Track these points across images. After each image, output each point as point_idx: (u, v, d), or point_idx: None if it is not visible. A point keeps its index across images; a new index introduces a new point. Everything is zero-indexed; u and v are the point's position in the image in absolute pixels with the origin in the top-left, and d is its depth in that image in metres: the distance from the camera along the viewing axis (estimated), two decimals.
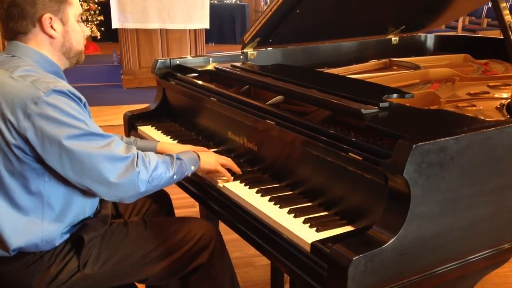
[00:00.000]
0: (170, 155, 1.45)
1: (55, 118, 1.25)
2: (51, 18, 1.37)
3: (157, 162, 1.38)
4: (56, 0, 1.37)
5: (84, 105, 1.37)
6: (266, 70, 1.87)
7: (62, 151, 1.26)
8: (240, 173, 1.56)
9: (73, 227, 1.43)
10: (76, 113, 1.29)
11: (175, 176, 1.42)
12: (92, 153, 1.28)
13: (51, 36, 1.38)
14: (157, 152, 1.67)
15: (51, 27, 1.37)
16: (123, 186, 1.31)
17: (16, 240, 1.34)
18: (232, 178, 1.54)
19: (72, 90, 1.32)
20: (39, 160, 1.30)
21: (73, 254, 1.41)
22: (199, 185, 1.64)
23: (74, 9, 1.42)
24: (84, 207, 1.45)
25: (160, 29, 6.01)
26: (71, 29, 1.42)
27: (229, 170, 1.56)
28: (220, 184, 1.52)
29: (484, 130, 1.18)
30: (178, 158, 1.45)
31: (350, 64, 2.26)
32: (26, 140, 1.27)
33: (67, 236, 1.42)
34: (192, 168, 1.49)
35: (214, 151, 1.75)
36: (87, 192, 1.37)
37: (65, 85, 1.31)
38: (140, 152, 1.37)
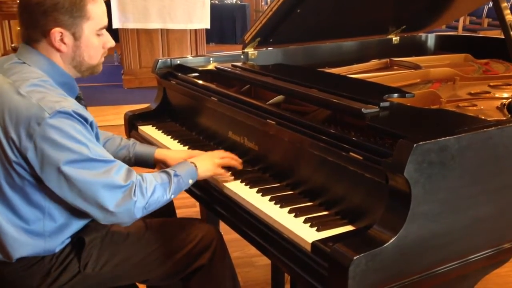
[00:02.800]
0: (168, 173, 1.40)
1: (56, 141, 1.23)
2: (61, 33, 1.31)
3: (154, 186, 1.34)
4: (71, 14, 1.30)
5: (91, 124, 1.33)
6: (267, 70, 1.87)
7: (60, 176, 1.24)
8: (241, 166, 1.55)
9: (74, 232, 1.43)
10: (80, 135, 1.25)
11: (172, 196, 1.40)
12: (90, 180, 1.25)
13: (59, 50, 1.34)
14: (155, 159, 1.65)
15: (61, 41, 1.32)
16: (119, 214, 1.28)
17: (19, 251, 1.34)
18: (233, 177, 1.52)
19: (78, 110, 1.28)
20: (39, 178, 1.28)
21: (74, 256, 1.41)
22: (199, 185, 1.64)
23: (94, 23, 1.34)
24: (89, 218, 1.44)
25: (161, 29, 6.02)
26: (84, 44, 1.35)
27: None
28: (229, 187, 1.50)
29: (485, 129, 1.18)
30: (176, 175, 1.40)
31: (351, 64, 2.26)
32: (26, 159, 1.25)
33: (68, 240, 1.42)
34: (190, 181, 1.45)
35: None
36: None
37: (71, 105, 1.27)
38: (138, 177, 1.33)
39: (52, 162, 1.23)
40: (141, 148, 1.69)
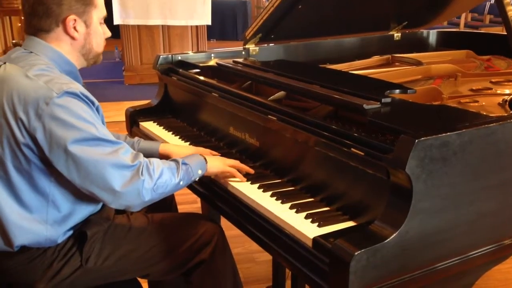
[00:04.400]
0: (176, 160, 1.42)
1: (64, 120, 1.25)
2: (75, 20, 1.36)
3: (162, 169, 1.35)
4: (83, 2, 1.36)
5: (97, 109, 1.35)
6: (268, 66, 1.87)
7: (68, 156, 1.25)
8: (252, 172, 1.51)
9: (76, 224, 1.43)
10: (87, 115, 1.28)
11: (181, 182, 1.39)
12: (98, 159, 1.26)
13: (73, 38, 1.38)
14: (159, 153, 1.66)
15: (74, 28, 1.37)
16: (127, 194, 1.29)
17: (21, 237, 1.34)
18: (245, 178, 1.49)
19: (85, 92, 1.32)
20: (47, 161, 1.29)
21: (76, 249, 1.42)
22: (201, 180, 1.64)
23: (99, 11, 1.42)
24: (91, 210, 1.45)
25: (162, 25, 6.02)
26: (94, 31, 1.41)
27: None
28: (231, 183, 1.49)
29: (487, 125, 1.18)
30: (184, 163, 1.41)
31: (353, 60, 2.26)
32: (35, 140, 1.27)
33: (70, 232, 1.42)
34: (199, 172, 1.45)
35: (216, 149, 1.75)
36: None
37: (78, 87, 1.30)
38: (145, 159, 1.34)
39: (60, 141, 1.25)
40: (146, 144, 1.71)
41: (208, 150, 1.64)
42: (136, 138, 1.73)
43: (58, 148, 1.25)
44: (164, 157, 1.65)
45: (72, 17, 1.35)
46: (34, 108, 1.25)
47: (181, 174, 1.39)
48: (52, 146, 1.26)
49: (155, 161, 1.37)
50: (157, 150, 1.67)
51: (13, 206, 1.33)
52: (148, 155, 1.64)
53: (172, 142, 1.84)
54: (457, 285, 1.34)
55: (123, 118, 2.20)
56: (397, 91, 1.48)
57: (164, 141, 1.86)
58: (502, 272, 2.35)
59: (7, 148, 1.30)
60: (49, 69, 1.33)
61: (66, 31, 1.37)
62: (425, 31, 2.72)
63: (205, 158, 1.48)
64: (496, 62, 2.26)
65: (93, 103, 1.34)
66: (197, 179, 1.46)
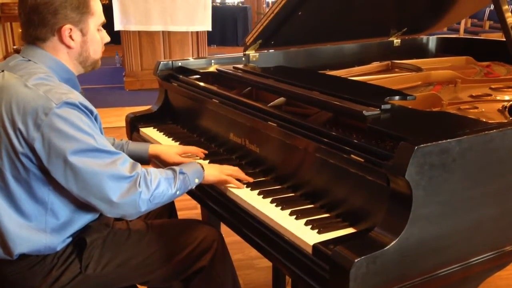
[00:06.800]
0: (173, 170, 1.42)
1: (63, 131, 1.25)
2: (71, 29, 1.36)
3: (159, 180, 1.36)
4: (79, 10, 1.35)
5: (95, 118, 1.36)
6: (268, 72, 1.87)
7: (66, 166, 1.26)
8: (251, 180, 1.51)
9: (76, 231, 1.43)
10: (86, 126, 1.28)
11: (177, 192, 1.40)
12: (96, 170, 1.27)
13: (69, 47, 1.38)
14: (149, 154, 1.69)
15: (70, 37, 1.37)
16: (124, 205, 1.30)
17: (20, 246, 1.34)
18: (244, 185, 1.49)
19: (84, 102, 1.32)
20: (45, 170, 1.29)
21: (75, 256, 1.42)
22: (200, 186, 1.64)
23: (96, 18, 1.41)
24: (90, 218, 1.45)
25: (162, 31, 6.04)
26: (90, 39, 1.41)
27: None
28: (230, 189, 1.49)
29: (486, 132, 1.18)
30: (182, 173, 1.42)
31: (352, 66, 2.26)
32: (33, 150, 1.27)
33: (69, 240, 1.42)
34: (196, 181, 1.46)
35: (216, 155, 1.75)
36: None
37: (77, 97, 1.31)
38: (143, 170, 1.35)
39: (59, 152, 1.25)
40: (135, 146, 1.73)
41: (197, 149, 1.70)
42: (125, 140, 1.75)
43: (57, 158, 1.26)
44: (154, 157, 1.70)
45: (67, 26, 1.35)
46: (33, 118, 1.25)
47: (178, 184, 1.40)
48: (50, 156, 1.26)
49: (153, 171, 1.37)
50: (147, 151, 1.70)
51: (12, 215, 1.33)
52: (138, 157, 1.69)
53: None
54: None
55: (123, 124, 2.20)
56: (397, 97, 1.48)
57: None
58: (503, 278, 2.34)
59: (5, 157, 1.30)
60: (48, 77, 1.33)
61: (61, 40, 1.37)
62: (424, 37, 2.73)
63: (202, 166, 1.49)
64: (496, 68, 2.27)
65: (91, 112, 1.34)
66: (193, 187, 1.47)
